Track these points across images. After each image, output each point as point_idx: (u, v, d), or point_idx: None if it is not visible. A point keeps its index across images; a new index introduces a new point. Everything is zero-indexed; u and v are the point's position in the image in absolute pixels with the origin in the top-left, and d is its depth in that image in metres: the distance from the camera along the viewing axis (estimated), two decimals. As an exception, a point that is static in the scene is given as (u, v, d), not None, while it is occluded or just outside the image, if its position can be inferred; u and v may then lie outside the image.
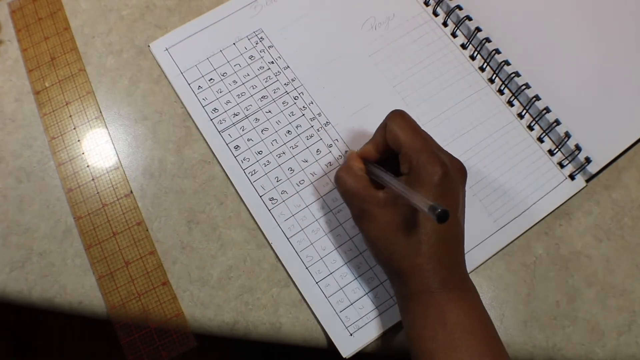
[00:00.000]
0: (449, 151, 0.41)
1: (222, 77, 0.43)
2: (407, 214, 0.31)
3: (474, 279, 0.37)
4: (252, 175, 0.40)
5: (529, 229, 0.39)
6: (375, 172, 0.34)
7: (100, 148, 0.42)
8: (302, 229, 0.39)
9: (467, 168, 0.40)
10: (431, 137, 0.34)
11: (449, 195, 0.31)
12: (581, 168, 0.40)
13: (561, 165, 0.41)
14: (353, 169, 0.35)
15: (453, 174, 0.32)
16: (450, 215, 0.26)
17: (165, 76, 0.44)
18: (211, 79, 0.43)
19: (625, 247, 0.40)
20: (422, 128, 0.34)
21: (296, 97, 0.43)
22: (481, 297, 0.32)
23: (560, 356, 0.37)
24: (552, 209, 0.40)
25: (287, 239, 0.39)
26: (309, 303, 0.37)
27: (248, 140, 0.41)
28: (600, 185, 0.41)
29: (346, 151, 0.41)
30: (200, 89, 0.43)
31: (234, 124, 0.42)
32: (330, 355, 0.37)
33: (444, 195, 0.31)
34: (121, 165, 0.41)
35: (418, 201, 0.28)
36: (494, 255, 0.39)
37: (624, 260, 0.39)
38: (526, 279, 0.39)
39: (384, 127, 0.34)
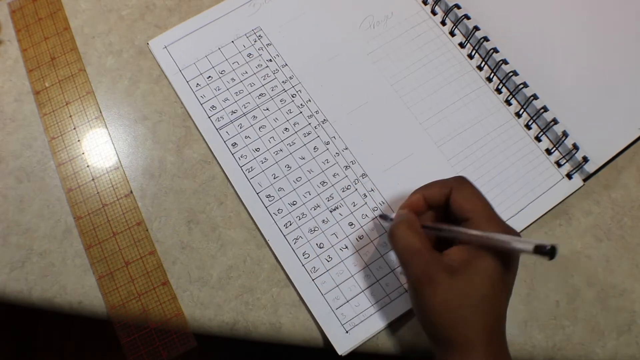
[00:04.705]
0: (447, 149, 0.41)
1: (221, 75, 0.43)
2: (466, 286, 0.30)
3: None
4: (249, 172, 0.40)
5: (525, 228, 0.39)
6: (441, 227, 0.31)
7: (100, 148, 0.42)
8: (299, 226, 0.39)
9: (464, 167, 0.41)
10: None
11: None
12: (578, 167, 0.40)
13: (558, 165, 0.40)
14: (415, 225, 0.31)
15: None
16: (557, 250, 0.24)
17: (165, 75, 0.44)
18: (209, 76, 0.43)
19: (625, 247, 0.39)
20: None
21: (294, 95, 0.43)
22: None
23: (560, 356, 0.37)
24: (549, 209, 0.39)
25: (284, 236, 0.39)
26: (305, 300, 0.37)
27: (245, 137, 0.41)
28: (599, 185, 0.41)
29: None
30: (199, 87, 0.43)
31: (231, 122, 0.42)
32: (330, 356, 0.37)
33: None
34: (121, 165, 0.42)
35: (517, 244, 0.26)
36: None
37: (624, 260, 0.39)
38: (526, 279, 0.39)
39: (445, 186, 0.32)
